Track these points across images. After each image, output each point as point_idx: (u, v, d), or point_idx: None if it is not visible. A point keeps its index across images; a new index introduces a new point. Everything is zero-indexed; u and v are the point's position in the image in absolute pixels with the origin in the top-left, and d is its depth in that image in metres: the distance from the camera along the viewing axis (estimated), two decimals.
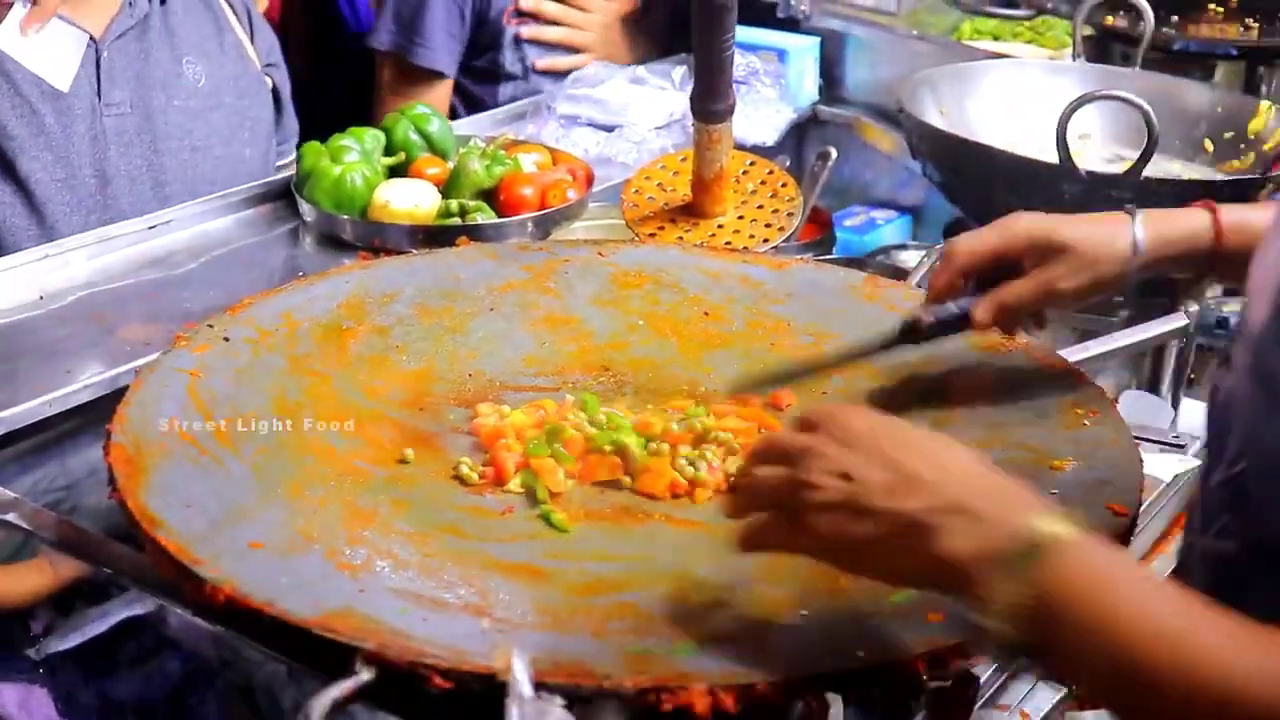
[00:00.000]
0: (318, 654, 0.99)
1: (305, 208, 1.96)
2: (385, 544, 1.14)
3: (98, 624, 1.49)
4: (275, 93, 2.31)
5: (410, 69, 2.72)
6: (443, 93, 2.74)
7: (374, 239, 1.89)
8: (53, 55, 1.96)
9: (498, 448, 1.29)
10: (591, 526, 1.21)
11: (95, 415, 1.50)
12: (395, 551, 1.13)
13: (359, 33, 3.19)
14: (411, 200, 1.93)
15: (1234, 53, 2.42)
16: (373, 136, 2.04)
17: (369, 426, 1.34)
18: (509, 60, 2.74)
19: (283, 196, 2.03)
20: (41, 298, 1.75)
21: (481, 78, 2.77)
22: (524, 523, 1.21)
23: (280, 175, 2.17)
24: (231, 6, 2.26)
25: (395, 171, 2.03)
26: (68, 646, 1.49)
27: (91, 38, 2.01)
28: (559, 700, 0.93)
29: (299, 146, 2.14)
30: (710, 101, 1.80)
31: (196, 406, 1.29)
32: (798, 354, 1.49)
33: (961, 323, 1.34)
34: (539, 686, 0.93)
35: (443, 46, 2.70)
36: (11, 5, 1.90)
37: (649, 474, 1.26)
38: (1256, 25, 2.47)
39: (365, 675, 0.96)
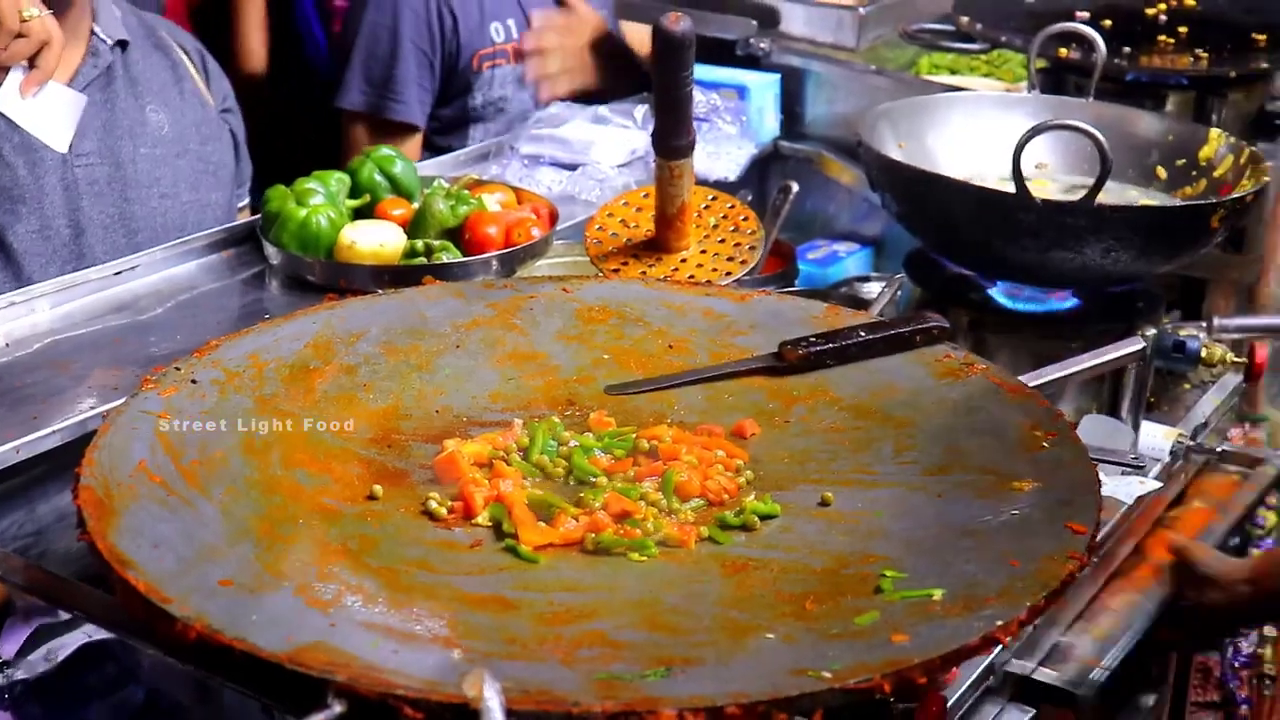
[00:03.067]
0: (290, 689, 1.00)
1: (271, 250, 1.97)
2: (355, 579, 1.15)
3: (61, 651, 1.48)
4: (232, 136, 2.32)
5: (383, 125, 2.75)
6: (414, 143, 2.78)
7: (340, 280, 1.90)
8: (50, 117, 1.98)
9: (465, 482, 1.30)
10: (559, 557, 1.22)
11: (63, 461, 1.50)
12: (365, 586, 1.14)
13: (316, 57, 3.22)
14: (377, 241, 1.94)
15: (1184, 82, 2.46)
16: (338, 179, 2.05)
17: (337, 465, 1.34)
18: (479, 103, 2.78)
19: (248, 240, 2.04)
20: (7, 345, 1.76)
21: (446, 125, 2.80)
22: (492, 555, 1.22)
23: (245, 219, 2.18)
24: (187, 53, 2.28)
25: (360, 213, 2.04)
26: (31, 675, 1.48)
27: None
28: None
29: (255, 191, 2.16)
30: (671, 138, 1.82)
31: (165, 448, 1.29)
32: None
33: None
34: (509, 714, 0.94)
35: (415, 99, 2.74)
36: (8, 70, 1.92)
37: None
38: (1206, 56, 2.51)
39: (337, 708, 0.97)
